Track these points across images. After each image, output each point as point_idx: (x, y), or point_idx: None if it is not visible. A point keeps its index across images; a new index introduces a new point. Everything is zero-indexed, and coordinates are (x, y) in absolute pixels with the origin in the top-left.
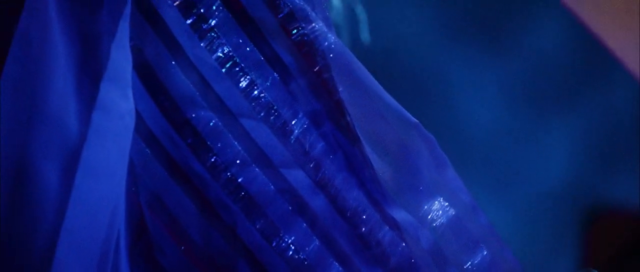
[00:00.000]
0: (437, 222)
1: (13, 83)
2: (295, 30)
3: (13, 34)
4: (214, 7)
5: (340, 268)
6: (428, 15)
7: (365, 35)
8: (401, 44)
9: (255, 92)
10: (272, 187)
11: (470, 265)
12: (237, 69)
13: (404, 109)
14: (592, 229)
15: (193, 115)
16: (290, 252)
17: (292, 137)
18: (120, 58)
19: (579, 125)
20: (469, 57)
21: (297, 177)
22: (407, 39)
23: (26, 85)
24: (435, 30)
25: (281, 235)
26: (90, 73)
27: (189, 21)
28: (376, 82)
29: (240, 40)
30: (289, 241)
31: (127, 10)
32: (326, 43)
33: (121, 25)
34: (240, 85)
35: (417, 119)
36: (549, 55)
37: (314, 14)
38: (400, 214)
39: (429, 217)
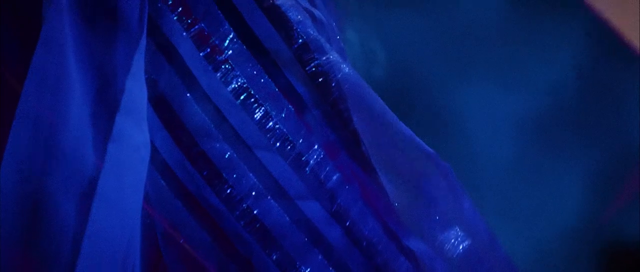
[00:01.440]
0: (454, 253)
1: (29, 115)
2: (309, 62)
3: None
4: (228, 39)
5: None
6: (443, 48)
7: (380, 68)
8: (416, 76)
9: (270, 123)
10: (287, 218)
11: None
12: (252, 100)
13: (419, 140)
14: (608, 263)
15: (208, 147)
16: None
17: (307, 168)
18: (136, 90)
19: (594, 160)
20: (484, 89)
21: (313, 208)
22: (422, 71)
23: (42, 117)
24: (450, 62)
25: (297, 266)
26: (105, 105)
27: (203, 53)
28: (391, 113)
29: (255, 72)
30: None
31: (142, 42)
32: (341, 74)
33: (136, 58)
34: (255, 116)
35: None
36: (563, 90)
37: (328, 45)
38: (416, 245)
39: (446, 247)
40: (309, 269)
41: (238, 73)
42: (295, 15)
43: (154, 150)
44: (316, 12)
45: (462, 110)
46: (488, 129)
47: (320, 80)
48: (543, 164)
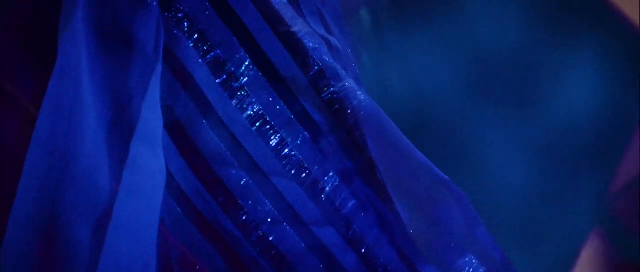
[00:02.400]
0: None
1: (44, 142)
2: (325, 89)
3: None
4: (244, 66)
5: None
6: (458, 73)
7: (394, 94)
8: (431, 101)
9: (286, 150)
10: (303, 245)
11: None
12: (268, 127)
13: (434, 166)
14: None
15: (224, 173)
16: None
17: (323, 195)
18: (151, 117)
19: (609, 187)
20: (498, 115)
21: (328, 235)
22: (436, 96)
23: (57, 144)
24: (465, 88)
25: None
26: (121, 132)
27: (219, 80)
28: (407, 140)
29: (271, 99)
30: None
31: (158, 69)
32: (356, 101)
33: (152, 84)
34: (271, 143)
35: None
36: (579, 116)
37: (344, 72)
38: None
39: None
40: None
41: (254, 100)
42: (311, 42)
43: (170, 176)
44: (332, 39)
45: (476, 135)
46: (503, 154)
47: (336, 107)
48: (558, 190)
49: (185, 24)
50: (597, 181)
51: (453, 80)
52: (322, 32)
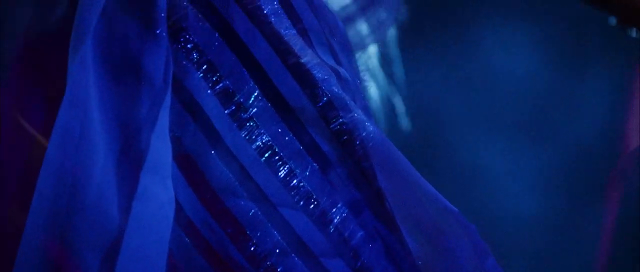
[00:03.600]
0: None
1: (53, 172)
2: (334, 119)
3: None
4: (253, 97)
5: None
6: (468, 101)
7: (403, 124)
8: (440, 132)
9: (295, 181)
10: None
11: None
12: (277, 158)
13: (443, 198)
14: None
15: (232, 204)
16: None
17: (331, 226)
18: (160, 147)
19: (618, 216)
20: (509, 144)
21: (337, 266)
22: (445, 127)
23: (66, 174)
24: (475, 116)
25: None
26: (130, 162)
27: (228, 111)
28: (415, 171)
29: (280, 130)
30: None
31: (167, 99)
32: (365, 132)
33: (161, 115)
34: (280, 174)
35: (456, 208)
36: (587, 146)
37: (353, 103)
38: None
39: None
40: None
41: (263, 131)
42: (320, 73)
43: (179, 207)
44: (341, 70)
45: (486, 165)
46: (512, 184)
47: (344, 138)
48: (568, 220)
49: (195, 54)
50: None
51: (463, 107)
52: (331, 62)
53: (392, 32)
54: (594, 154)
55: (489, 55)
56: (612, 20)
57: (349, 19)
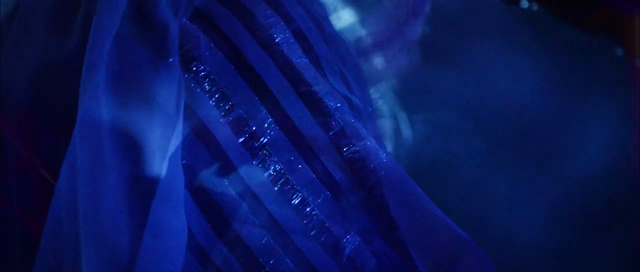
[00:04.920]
0: None
1: (64, 204)
2: (346, 148)
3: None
4: (266, 125)
5: None
6: (477, 131)
7: (414, 152)
8: (450, 161)
9: (307, 209)
10: None
11: None
12: (289, 186)
13: (456, 226)
14: None
15: (245, 232)
16: None
17: (344, 254)
18: (173, 176)
19: (626, 248)
20: (518, 173)
21: None
22: (456, 155)
23: (76, 204)
24: (484, 147)
25: None
26: (142, 192)
27: (241, 139)
28: (428, 199)
29: (292, 158)
30: None
31: (179, 127)
32: (377, 160)
33: (173, 143)
34: (293, 202)
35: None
36: (596, 179)
37: (365, 131)
38: None
39: None
40: None
41: (275, 159)
42: (333, 102)
43: (191, 235)
44: (353, 98)
45: (496, 194)
46: (522, 213)
47: (357, 166)
48: (577, 250)
49: (206, 83)
50: (619, 241)
51: (470, 135)
52: (344, 91)
53: (404, 64)
54: (605, 182)
55: (497, 83)
56: (619, 51)
57: (363, 52)
